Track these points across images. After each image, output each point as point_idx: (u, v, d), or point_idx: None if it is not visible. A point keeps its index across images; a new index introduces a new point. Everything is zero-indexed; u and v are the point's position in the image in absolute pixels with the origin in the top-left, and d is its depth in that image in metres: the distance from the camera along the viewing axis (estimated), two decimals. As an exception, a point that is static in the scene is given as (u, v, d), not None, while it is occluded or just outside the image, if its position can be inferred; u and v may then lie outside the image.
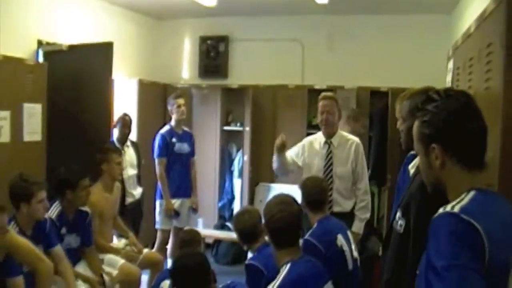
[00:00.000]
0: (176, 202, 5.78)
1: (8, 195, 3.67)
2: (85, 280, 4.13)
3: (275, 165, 4.76)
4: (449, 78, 4.37)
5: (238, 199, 7.36)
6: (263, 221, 3.23)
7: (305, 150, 4.77)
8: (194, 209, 5.96)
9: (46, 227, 3.83)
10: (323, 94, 4.79)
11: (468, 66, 3.24)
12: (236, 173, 7.46)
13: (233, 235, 6.85)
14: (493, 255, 1.52)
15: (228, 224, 7.33)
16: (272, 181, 7.02)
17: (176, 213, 5.79)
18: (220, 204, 7.42)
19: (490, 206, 1.65)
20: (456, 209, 1.59)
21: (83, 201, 4.32)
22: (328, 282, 3.06)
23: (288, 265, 2.92)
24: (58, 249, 3.93)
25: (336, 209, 4.46)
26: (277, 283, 2.85)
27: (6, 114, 4.51)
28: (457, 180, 1.73)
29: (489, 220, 1.56)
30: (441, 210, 1.62)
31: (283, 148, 4.59)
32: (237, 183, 7.43)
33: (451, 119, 1.74)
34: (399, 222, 2.35)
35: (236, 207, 7.37)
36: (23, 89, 4.72)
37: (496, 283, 1.55)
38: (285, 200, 3.15)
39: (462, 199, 1.64)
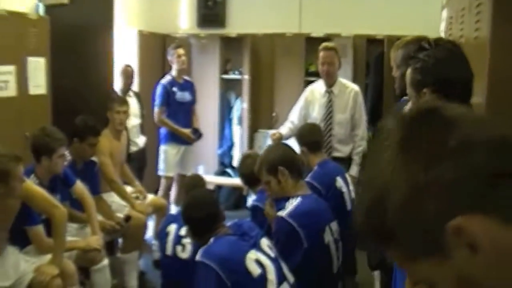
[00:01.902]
0: (179, 149, 5.98)
1: (30, 147, 3.82)
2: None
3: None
4: (442, 27, 4.48)
5: (238, 146, 7.52)
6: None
7: (307, 105, 4.91)
8: (196, 131, 6.08)
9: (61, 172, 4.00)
10: (323, 44, 4.90)
11: (460, 16, 3.36)
12: (235, 120, 7.60)
13: (233, 181, 7.14)
14: None
15: (228, 170, 7.53)
16: (270, 128, 7.16)
17: (195, 132, 6.00)
18: (220, 151, 7.58)
19: None
20: None
21: (88, 155, 4.49)
22: (334, 221, 3.30)
23: (300, 198, 3.14)
24: (79, 185, 4.13)
25: (335, 154, 4.65)
26: (289, 210, 3.07)
27: (11, 68, 4.61)
28: None
29: None
30: None
31: (280, 139, 4.74)
32: (236, 130, 7.58)
33: (439, 66, 1.93)
34: None
35: (236, 153, 7.54)
36: (27, 43, 4.78)
37: None
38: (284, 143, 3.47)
39: None
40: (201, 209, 3.01)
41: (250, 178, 3.71)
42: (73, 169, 4.29)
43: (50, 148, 3.77)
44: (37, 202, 3.49)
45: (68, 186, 4.07)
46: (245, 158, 3.95)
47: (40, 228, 3.58)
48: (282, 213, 3.09)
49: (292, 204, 3.13)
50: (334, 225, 3.32)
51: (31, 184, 3.53)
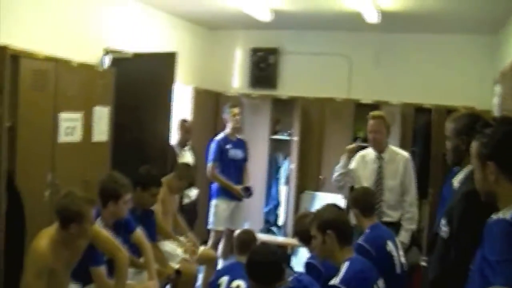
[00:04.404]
0: (229, 205, 6.16)
1: (98, 192, 3.99)
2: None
3: (336, 173, 5.13)
4: (496, 101, 4.62)
5: (284, 205, 7.67)
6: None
7: (357, 165, 5.07)
8: (247, 189, 6.26)
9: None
10: (371, 113, 5.08)
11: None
12: (282, 180, 7.75)
13: (278, 239, 7.23)
14: None
15: (273, 228, 7.66)
16: (317, 189, 7.31)
17: (247, 190, 6.19)
18: (266, 209, 7.72)
19: None
20: (508, 216, 1.93)
21: (149, 204, 4.64)
22: (380, 279, 3.39)
23: (348, 262, 3.25)
24: (138, 232, 4.29)
25: (385, 219, 4.75)
26: (340, 277, 3.18)
27: (78, 116, 4.90)
28: (507, 193, 2.05)
29: None
30: (494, 216, 1.98)
31: (354, 152, 4.92)
32: (283, 190, 7.73)
33: (505, 142, 2.09)
34: (444, 229, 2.69)
35: (281, 213, 7.69)
36: (94, 93, 5.12)
37: None
38: (338, 206, 3.56)
39: None
40: (267, 256, 3.16)
41: (306, 236, 3.83)
42: (132, 216, 4.45)
43: (117, 193, 3.96)
44: (103, 244, 3.66)
45: (129, 231, 4.24)
46: (302, 217, 4.09)
47: (103, 269, 3.73)
48: (335, 281, 3.20)
49: (342, 270, 3.25)
50: (380, 283, 3.41)
51: (98, 226, 3.72)
